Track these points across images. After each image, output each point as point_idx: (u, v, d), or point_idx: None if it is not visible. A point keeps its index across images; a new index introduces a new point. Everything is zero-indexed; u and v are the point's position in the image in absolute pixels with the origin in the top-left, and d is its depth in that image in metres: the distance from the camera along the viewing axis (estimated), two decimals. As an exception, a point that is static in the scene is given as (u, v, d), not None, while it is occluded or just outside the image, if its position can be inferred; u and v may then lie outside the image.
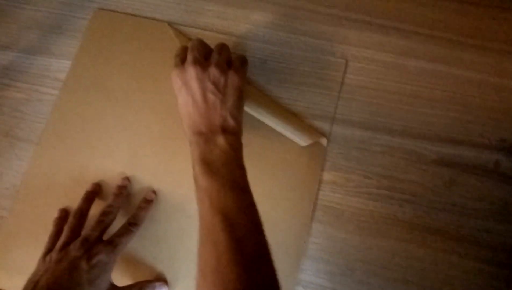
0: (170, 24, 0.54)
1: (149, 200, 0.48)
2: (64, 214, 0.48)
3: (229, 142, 0.40)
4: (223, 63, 0.44)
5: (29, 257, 0.47)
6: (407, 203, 0.46)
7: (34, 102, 0.53)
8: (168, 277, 0.47)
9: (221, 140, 0.40)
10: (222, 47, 0.46)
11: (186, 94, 0.43)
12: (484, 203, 0.46)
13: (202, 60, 0.43)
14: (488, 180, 0.47)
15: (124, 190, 0.48)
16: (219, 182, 0.38)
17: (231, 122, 0.42)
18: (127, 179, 0.49)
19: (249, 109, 0.48)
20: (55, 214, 0.48)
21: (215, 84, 0.42)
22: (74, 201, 0.48)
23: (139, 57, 0.52)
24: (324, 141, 0.49)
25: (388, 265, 0.45)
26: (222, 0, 0.54)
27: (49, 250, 0.44)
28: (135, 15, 0.55)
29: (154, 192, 0.49)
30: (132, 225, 0.46)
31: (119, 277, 0.46)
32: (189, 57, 0.43)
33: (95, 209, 0.47)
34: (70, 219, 0.46)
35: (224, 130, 0.41)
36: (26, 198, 0.50)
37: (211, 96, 0.42)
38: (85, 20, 0.55)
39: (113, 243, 0.43)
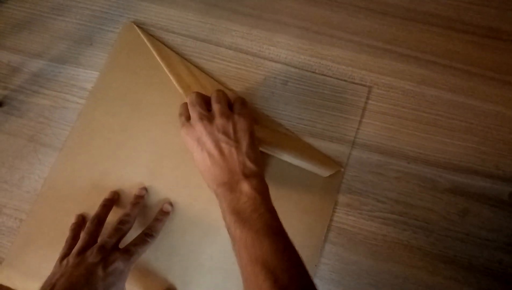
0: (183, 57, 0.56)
1: (165, 212, 0.49)
2: (81, 220, 0.50)
3: (254, 187, 0.40)
4: (226, 110, 0.45)
5: (45, 261, 0.48)
6: (420, 230, 0.47)
7: (60, 109, 0.55)
8: (179, 289, 0.47)
9: (245, 186, 0.40)
10: (219, 95, 0.46)
11: (201, 151, 0.43)
12: (497, 234, 0.46)
13: (206, 113, 0.44)
14: (502, 211, 0.47)
15: (141, 200, 0.50)
16: (252, 230, 0.38)
17: (250, 165, 0.42)
18: (145, 189, 0.50)
19: (266, 150, 0.49)
20: (73, 220, 0.50)
21: (225, 133, 0.43)
22: (92, 208, 0.49)
23: (165, 72, 0.54)
24: (341, 169, 0.49)
25: (399, 290, 0.45)
26: (248, 21, 0.56)
27: (65, 255, 0.45)
28: (162, 31, 0.57)
29: (171, 204, 0.50)
30: (148, 235, 0.46)
31: (132, 287, 0.46)
32: (193, 115, 0.44)
33: (112, 217, 0.48)
34: (88, 224, 0.47)
35: (246, 175, 0.41)
36: (46, 202, 0.51)
37: (225, 146, 0.43)
38: (114, 33, 0.57)
39: (129, 252, 0.44)
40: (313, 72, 0.54)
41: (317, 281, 0.46)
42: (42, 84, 0.56)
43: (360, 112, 0.51)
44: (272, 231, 0.38)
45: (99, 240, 0.46)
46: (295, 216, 0.48)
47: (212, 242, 0.48)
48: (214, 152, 0.43)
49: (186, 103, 0.47)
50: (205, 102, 0.46)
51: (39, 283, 0.43)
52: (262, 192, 0.41)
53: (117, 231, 0.46)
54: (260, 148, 0.48)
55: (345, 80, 0.53)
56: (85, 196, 0.51)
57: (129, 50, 0.56)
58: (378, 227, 0.47)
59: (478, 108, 0.51)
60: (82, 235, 0.46)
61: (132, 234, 0.47)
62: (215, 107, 0.45)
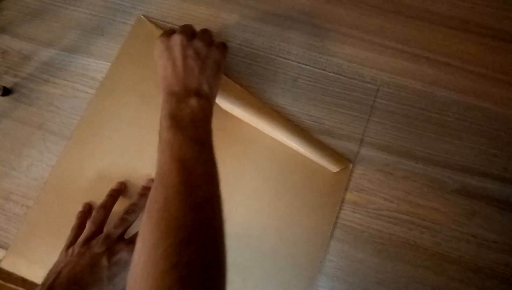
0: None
1: None
2: (87, 208, 0.50)
3: (201, 105, 0.41)
4: (208, 39, 0.47)
5: (50, 249, 0.48)
6: (427, 230, 0.47)
7: (70, 99, 0.55)
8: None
9: (193, 101, 0.41)
10: (206, 31, 0.49)
11: (167, 58, 0.44)
12: (505, 237, 0.46)
13: (189, 34, 0.46)
14: (509, 213, 0.47)
15: (148, 191, 0.50)
16: (184, 136, 0.38)
17: (205, 87, 0.43)
18: (153, 180, 0.50)
19: (281, 136, 0.50)
20: (79, 208, 0.50)
21: (197, 52, 0.44)
22: (99, 198, 0.49)
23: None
24: (350, 165, 0.49)
25: (404, 289, 0.45)
26: (259, 17, 0.56)
27: (71, 243, 0.46)
28: (174, 24, 0.57)
29: None
30: None
31: None
32: (178, 29, 0.46)
33: (119, 207, 0.48)
34: (94, 213, 0.47)
35: (198, 93, 0.42)
36: (53, 190, 0.51)
37: (191, 62, 0.43)
38: (126, 24, 0.57)
39: (134, 243, 0.44)
40: (323, 70, 0.53)
41: (322, 278, 0.46)
42: (52, 73, 0.56)
43: (369, 111, 0.51)
44: (201, 143, 0.39)
45: (104, 230, 0.46)
46: (301, 212, 0.48)
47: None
48: (179, 63, 0.43)
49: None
50: (192, 32, 0.47)
51: (45, 271, 0.43)
52: (207, 113, 0.42)
53: (123, 221, 0.46)
54: (276, 133, 0.49)
55: (355, 78, 0.53)
56: (92, 186, 0.51)
57: (141, 42, 0.56)
58: (384, 226, 0.47)
59: (488, 110, 0.51)
60: (88, 224, 0.46)
61: (138, 225, 0.47)
62: (199, 34, 0.47)
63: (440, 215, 0.47)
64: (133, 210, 0.47)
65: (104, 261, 0.42)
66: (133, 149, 0.52)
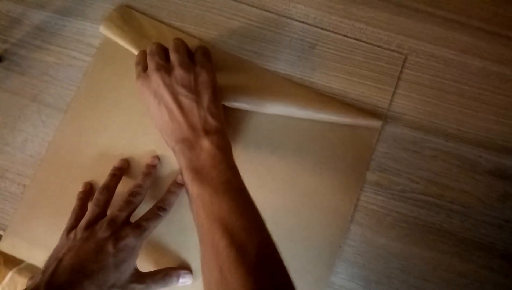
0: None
1: (179, 184, 0.45)
2: (88, 188, 0.46)
3: (214, 143, 0.38)
4: (186, 60, 0.41)
5: (50, 230, 0.46)
6: (456, 214, 0.43)
7: (65, 67, 0.50)
8: (193, 266, 0.45)
9: (205, 143, 0.38)
10: (178, 44, 0.43)
11: (158, 105, 0.40)
12: (540, 223, 0.43)
13: (164, 64, 0.41)
14: (546, 197, 0.43)
15: (153, 169, 0.46)
16: (211, 187, 0.36)
17: (212, 121, 0.39)
18: (158, 158, 0.47)
19: (296, 109, 0.45)
20: (79, 187, 0.46)
21: (185, 86, 0.40)
22: (100, 176, 0.46)
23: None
24: (373, 141, 0.45)
25: (429, 277, 0.42)
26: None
27: (72, 226, 0.42)
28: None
29: None
30: (161, 209, 0.43)
31: (143, 263, 0.44)
32: (151, 64, 0.41)
33: (122, 188, 0.45)
34: (96, 195, 0.43)
35: (207, 131, 0.39)
36: (50, 168, 0.48)
37: (184, 100, 0.39)
38: (124, -17, 0.51)
39: (141, 227, 0.41)
40: (345, 36, 0.48)
41: (341, 264, 0.43)
42: (45, 38, 0.51)
43: (395, 82, 0.46)
44: (231, 188, 0.36)
45: (108, 213, 0.43)
46: (319, 193, 0.44)
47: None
48: (173, 106, 0.40)
49: (144, 52, 0.44)
50: (165, 53, 0.43)
51: (45, 252, 0.41)
52: (223, 149, 0.38)
53: (128, 203, 0.42)
54: (291, 109, 0.45)
55: (380, 46, 0.48)
56: (92, 163, 0.47)
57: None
58: (409, 209, 0.44)
59: (528, 82, 0.46)
60: (91, 206, 0.43)
61: (144, 207, 0.43)
62: (173, 57, 0.41)
63: (470, 198, 0.43)
64: (138, 192, 0.43)
65: (110, 247, 0.39)
66: (136, 123, 0.48)
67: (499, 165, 0.44)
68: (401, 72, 0.46)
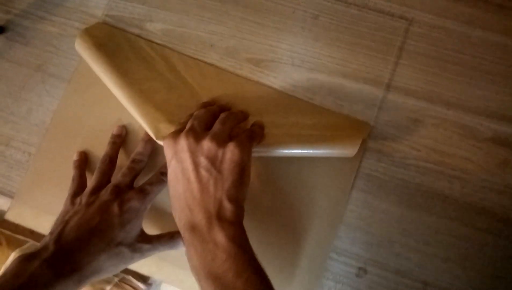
0: None
1: None
2: (83, 156, 0.47)
3: (231, 238, 0.33)
4: (223, 134, 0.38)
5: (55, 197, 0.46)
6: (456, 180, 0.44)
7: (69, 38, 0.51)
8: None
9: (220, 237, 0.33)
10: (228, 116, 0.40)
11: (176, 169, 0.37)
12: (539, 188, 0.43)
13: (199, 130, 0.38)
14: (545, 164, 0.44)
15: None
16: None
17: (228, 207, 0.34)
18: None
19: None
20: (74, 157, 0.47)
21: (210, 159, 0.36)
22: (104, 144, 0.46)
23: None
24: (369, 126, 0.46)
25: (430, 241, 0.43)
26: None
27: (76, 193, 0.43)
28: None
29: None
30: (164, 174, 0.43)
31: (149, 227, 0.44)
32: (187, 126, 0.38)
33: (124, 158, 0.45)
34: (100, 164, 0.44)
35: (221, 219, 0.34)
36: (55, 137, 0.48)
37: (204, 174, 0.35)
38: (128, -46, 0.51)
39: (144, 191, 0.42)
40: (347, 6, 0.48)
41: (343, 228, 0.44)
42: (48, 9, 0.51)
43: (397, 52, 0.47)
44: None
45: (112, 179, 0.43)
46: (322, 160, 0.45)
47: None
48: (191, 175, 0.36)
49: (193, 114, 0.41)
50: (210, 121, 0.40)
51: (51, 221, 0.41)
52: (243, 245, 0.33)
53: (131, 170, 0.43)
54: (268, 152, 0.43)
55: (383, 16, 0.48)
56: (97, 132, 0.48)
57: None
58: (411, 176, 0.44)
59: (528, 52, 0.46)
60: (95, 174, 0.43)
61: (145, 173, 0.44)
62: (215, 127, 0.38)
63: (471, 164, 0.44)
64: (140, 159, 0.44)
65: (115, 209, 0.39)
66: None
67: (499, 133, 0.45)
68: (403, 42, 0.47)
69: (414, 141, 0.45)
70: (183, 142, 0.36)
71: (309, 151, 0.42)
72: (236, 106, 0.46)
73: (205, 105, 0.45)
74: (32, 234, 0.52)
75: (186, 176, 0.36)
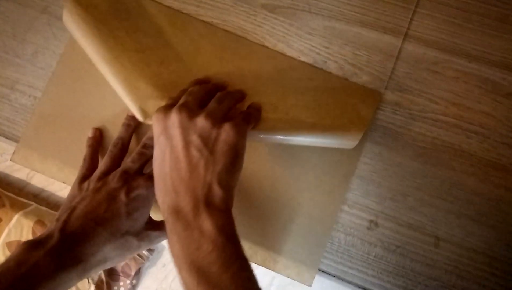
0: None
1: None
2: (98, 134, 0.45)
3: (219, 226, 0.30)
4: (219, 114, 0.34)
5: (61, 141, 0.45)
6: (475, 135, 0.43)
7: (76, -21, 0.48)
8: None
9: (207, 224, 0.30)
10: (226, 95, 0.37)
11: (164, 146, 0.33)
12: (561, 145, 0.42)
13: (193, 107, 0.34)
14: None
15: None
16: None
17: (218, 192, 0.31)
18: None
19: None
20: (89, 134, 0.45)
21: (202, 138, 0.32)
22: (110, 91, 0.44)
23: None
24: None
25: (444, 196, 0.42)
26: None
27: (84, 176, 0.41)
28: None
29: None
30: (147, 147, 0.42)
31: (157, 214, 0.43)
32: (180, 101, 0.35)
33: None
34: (111, 148, 0.42)
35: (209, 204, 0.31)
36: (62, 81, 0.47)
37: (195, 153, 0.32)
38: None
39: (152, 178, 0.40)
40: (369, -48, 0.46)
41: (356, 181, 0.43)
42: None
43: (417, 1, 0.45)
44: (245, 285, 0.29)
45: (122, 164, 0.42)
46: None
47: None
48: (180, 153, 0.32)
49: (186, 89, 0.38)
50: (206, 98, 0.37)
51: (57, 165, 0.41)
52: (231, 236, 0.31)
53: (141, 155, 0.41)
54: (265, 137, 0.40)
55: (405, -37, 0.46)
56: (105, 80, 0.46)
57: None
58: (428, 129, 0.43)
59: (558, 3, 0.44)
60: (105, 158, 0.42)
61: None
62: (211, 105, 0.35)
63: (490, 119, 0.43)
64: (151, 145, 0.42)
65: (122, 196, 0.38)
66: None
67: (522, 87, 0.43)
68: (425, -10, 0.45)
69: (433, 94, 0.44)
70: (174, 117, 0.33)
71: (306, 139, 0.39)
72: (233, 85, 0.42)
73: (200, 82, 0.42)
74: (36, 197, 0.52)
75: (174, 154, 0.33)
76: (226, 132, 0.33)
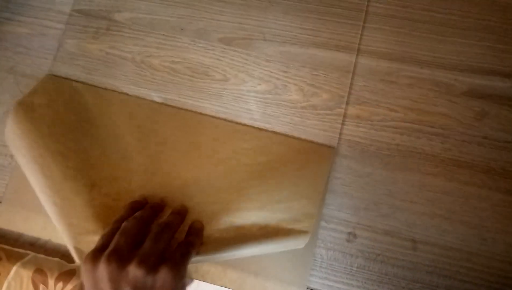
0: None
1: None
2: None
3: None
4: (154, 255, 0.32)
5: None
6: (435, 136, 0.44)
7: (39, 37, 0.50)
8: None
9: None
10: (163, 229, 0.34)
11: None
12: (517, 136, 0.44)
13: (125, 251, 0.31)
14: (521, 112, 0.44)
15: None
16: None
17: None
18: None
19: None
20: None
21: (137, 288, 0.30)
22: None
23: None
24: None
25: (415, 199, 0.44)
26: None
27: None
28: None
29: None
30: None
31: None
32: (110, 246, 0.32)
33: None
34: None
35: None
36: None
37: None
38: None
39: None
40: (313, -24, 0.48)
41: (329, 196, 0.44)
42: (14, 10, 0.51)
43: (364, 17, 0.47)
44: None
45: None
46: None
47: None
48: None
49: (120, 222, 0.35)
50: (141, 234, 0.34)
51: (40, 223, 0.41)
52: None
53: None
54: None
55: (349, -17, 0.48)
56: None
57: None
58: (391, 137, 0.45)
59: (495, 2, 0.46)
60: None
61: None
62: (145, 245, 0.32)
63: (448, 120, 0.45)
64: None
65: None
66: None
67: (473, 86, 0.45)
68: (367, 5, 0.47)
69: (391, 103, 0.45)
70: (103, 269, 0.30)
71: (253, 251, 0.41)
72: (173, 199, 0.42)
73: (135, 204, 0.39)
74: (32, 246, 0.52)
75: None
76: (163, 279, 0.30)
